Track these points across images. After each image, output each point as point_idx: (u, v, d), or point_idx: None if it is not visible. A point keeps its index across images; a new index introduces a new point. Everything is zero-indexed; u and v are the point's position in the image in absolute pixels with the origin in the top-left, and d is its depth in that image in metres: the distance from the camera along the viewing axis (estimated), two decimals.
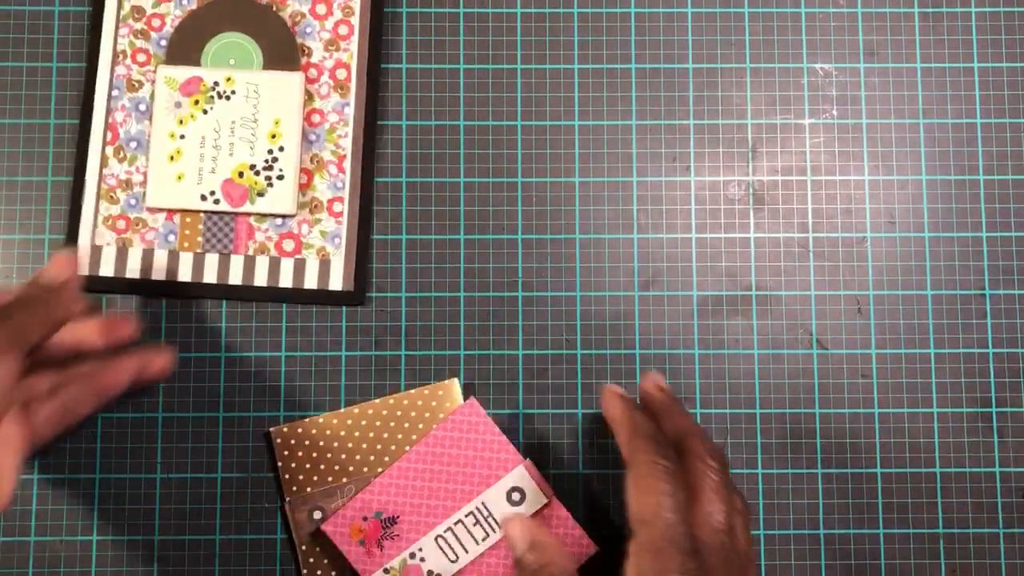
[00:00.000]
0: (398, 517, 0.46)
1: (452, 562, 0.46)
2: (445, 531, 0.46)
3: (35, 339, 0.39)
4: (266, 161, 0.49)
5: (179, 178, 0.49)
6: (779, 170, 0.51)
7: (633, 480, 0.38)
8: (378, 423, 0.47)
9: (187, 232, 0.49)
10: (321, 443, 0.47)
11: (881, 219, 0.50)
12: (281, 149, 0.49)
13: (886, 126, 0.51)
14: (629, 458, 0.39)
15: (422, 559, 0.46)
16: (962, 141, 0.51)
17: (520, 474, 0.46)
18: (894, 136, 0.51)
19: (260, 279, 0.49)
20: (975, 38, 0.51)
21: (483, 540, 0.46)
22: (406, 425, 0.48)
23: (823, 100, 0.51)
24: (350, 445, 0.47)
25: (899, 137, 0.51)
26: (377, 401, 0.48)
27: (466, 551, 0.46)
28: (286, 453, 0.47)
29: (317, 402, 0.48)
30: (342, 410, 0.48)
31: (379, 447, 0.47)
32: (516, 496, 0.46)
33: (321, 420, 0.47)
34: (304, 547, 0.47)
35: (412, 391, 0.48)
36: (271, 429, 0.47)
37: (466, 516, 0.46)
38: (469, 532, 0.46)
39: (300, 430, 0.47)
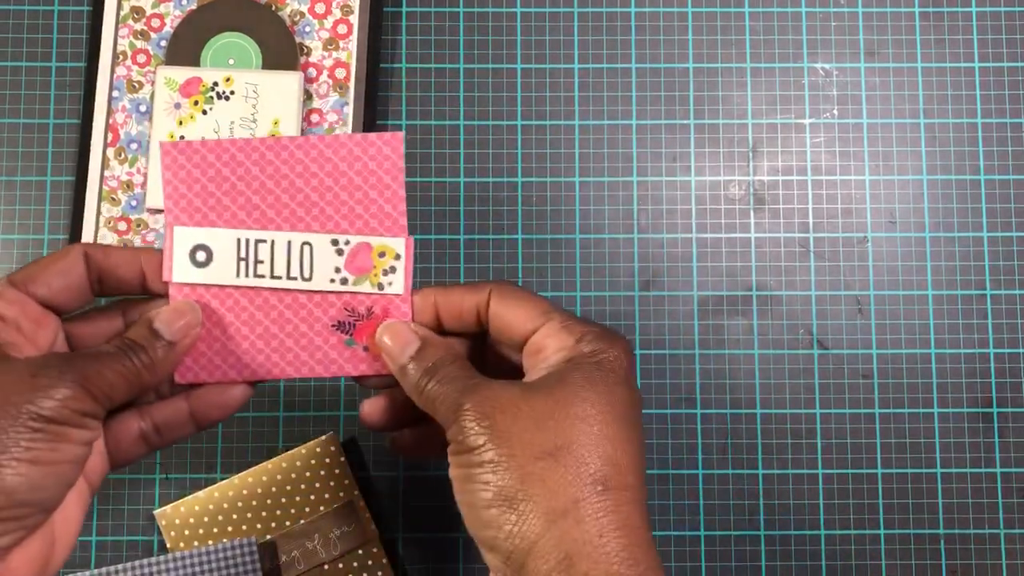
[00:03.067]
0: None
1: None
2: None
3: (121, 400, 0.33)
4: None
5: None
6: (779, 170, 0.50)
7: None
8: (259, 490, 0.46)
9: None
10: (206, 519, 0.46)
11: (882, 219, 0.50)
12: None
13: (886, 126, 0.51)
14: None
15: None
16: (963, 141, 0.51)
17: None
18: (894, 136, 0.51)
19: None
20: (975, 38, 0.51)
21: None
22: (288, 488, 0.46)
23: (823, 100, 0.51)
24: (235, 516, 0.46)
25: (899, 137, 0.51)
26: (256, 467, 0.46)
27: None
28: (172, 534, 0.46)
29: (317, 402, 0.48)
30: (223, 482, 0.46)
31: (264, 513, 0.46)
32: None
33: (203, 495, 0.46)
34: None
35: (290, 452, 0.46)
36: (155, 512, 0.46)
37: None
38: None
39: (183, 509, 0.46)
